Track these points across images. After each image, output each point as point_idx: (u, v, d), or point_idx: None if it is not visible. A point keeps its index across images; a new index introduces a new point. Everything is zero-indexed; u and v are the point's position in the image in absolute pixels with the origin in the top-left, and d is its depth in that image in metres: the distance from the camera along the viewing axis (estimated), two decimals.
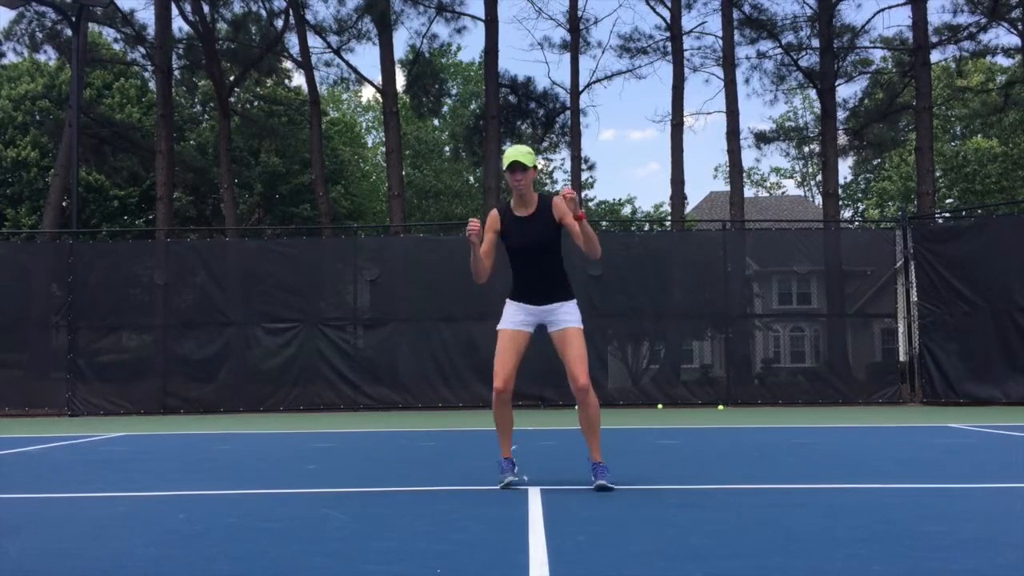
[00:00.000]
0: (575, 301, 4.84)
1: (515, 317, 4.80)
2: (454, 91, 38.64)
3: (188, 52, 22.61)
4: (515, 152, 4.67)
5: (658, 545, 3.31)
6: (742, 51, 21.85)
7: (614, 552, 3.19)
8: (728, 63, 19.93)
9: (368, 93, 47.74)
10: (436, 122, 38.53)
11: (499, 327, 4.83)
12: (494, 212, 4.87)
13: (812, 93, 32.87)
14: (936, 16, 66.48)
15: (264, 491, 5.01)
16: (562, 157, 39.45)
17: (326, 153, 27.85)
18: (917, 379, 14.13)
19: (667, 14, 20.80)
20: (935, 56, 22.23)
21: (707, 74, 43.56)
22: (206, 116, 33.31)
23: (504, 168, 4.70)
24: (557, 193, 4.77)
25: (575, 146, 20.73)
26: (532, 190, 4.78)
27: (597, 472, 4.72)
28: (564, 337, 4.74)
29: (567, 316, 4.76)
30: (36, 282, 14.79)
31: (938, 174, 32.73)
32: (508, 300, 4.87)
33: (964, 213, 30.06)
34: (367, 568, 3.00)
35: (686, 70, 20.70)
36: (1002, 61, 33.14)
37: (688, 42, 21.29)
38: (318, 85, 22.23)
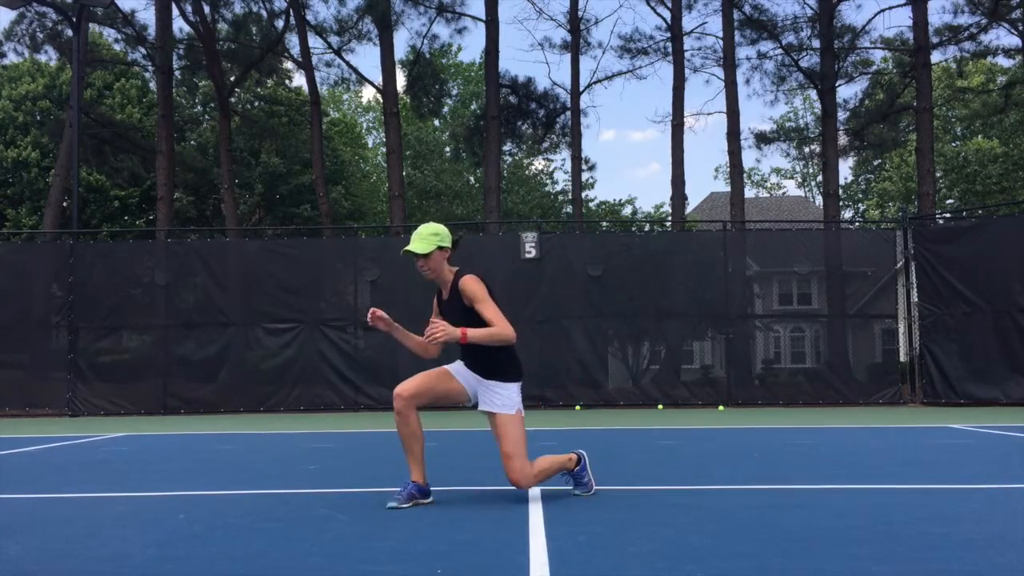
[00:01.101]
0: (515, 384, 4.38)
1: (455, 365, 4.52)
2: (455, 91, 38.66)
3: (189, 52, 22.61)
4: (413, 238, 4.42)
5: (658, 545, 3.31)
6: (742, 52, 21.88)
7: (614, 552, 3.19)
8: (728, 64, 19.93)
9: (368, 93, 47.83)
10: (436, 122, 38.54)
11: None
12: (436, 293, 4.69)
13: (813, 94, 32.88)
14: (937, 17, 66.60)
15: (264, 491, 5.01)
16: (563, 157, 39.40)
17: (326, 153, 27.86)
18: (917, 380, 14.13)
19: (668, 15, 20.81)
20: (936, 57, 22.26)
21: (707, 75, 43.70)
22: (207, 116, 33.32)
23: (402, 252, 4.47)
24: (463, 275, 4.46)
25: (575, 146, 20.73)
26: (444, 271, 4.51)
27: (571, 477, 4.59)
28: (494, 424, 4.36)
29: (497, 399, 4.34)
30: (37, 282, 14.79)
31: (939, 175, 32.73)
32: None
33: (965, 214, 30.06)
34: (367, 568, 3.00)
35: (686, 71, 20.72)
36: (1003, 62, 33.19)
37: (688, 43, 21.31)
38: (319, 85, 22.25)
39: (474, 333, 4.19)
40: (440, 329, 4.11)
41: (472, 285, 4.36)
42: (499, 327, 4.23)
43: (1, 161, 29.81)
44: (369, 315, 4.44)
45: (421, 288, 14.71)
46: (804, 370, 15.63)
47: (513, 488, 4.77)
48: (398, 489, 4.36)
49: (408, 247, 4.41)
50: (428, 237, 4.42)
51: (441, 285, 4.57)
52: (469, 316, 4.31)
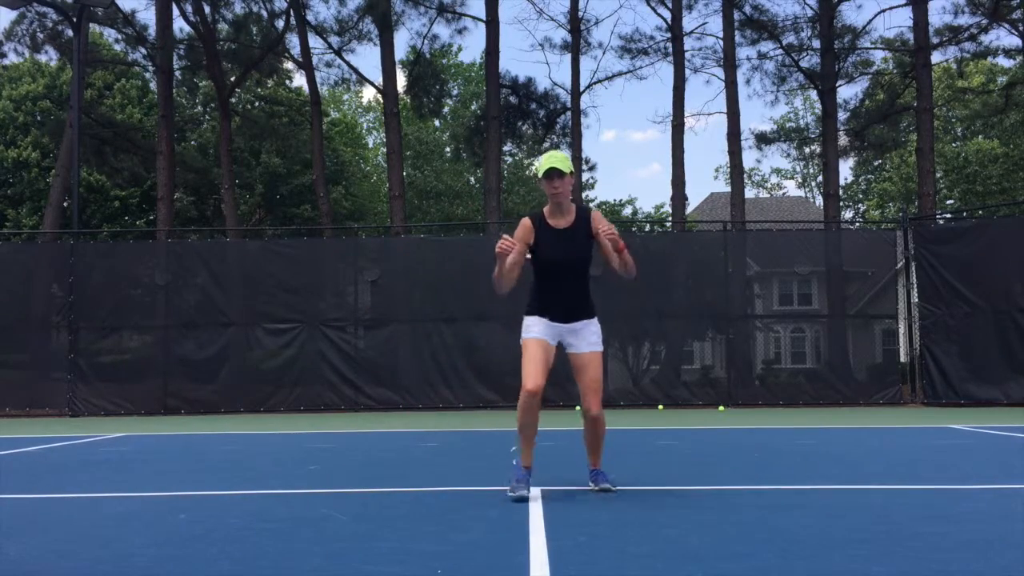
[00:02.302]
0: (597, 320, 4.60)
1: (538, 327, 4.50)
2: (455, 92, 38.65)
3: (189, 53, 22.60)
4: (552, 158, 4.39)
5: (658, 546, 3.31)
6: (743, 52, 21.87)
7: (614, 553, 3.19)
8: (729, 64, 19.92)
9: (369, 94, 47.81)
10: (437, 123, 38.53)
11: (524, 337, 4.51)
12: (526, 221, 4.55)
13: (813, 94, 32.87)
14: (937, 17, 66.58)
15: (265, 491, 5.01)
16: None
17: (327, 154, 27.87)
18: (918, 380, 14.13)
19: (668, 15, 20.79)
20: (936, 57, 22.25)
21: (708, 75, 43.63)
22: (207, 117, 33.32)
23: (540, 175, 4.42)
24: (590, 208, 4.58)
25: (576, 147, 20.73)
26: (570, 199, 4.51)
27: (598, 478, 4.70)
28: (582, 362, 4.51)
29: (590, 338, 4.53)
30: (37, 282, 14.79)
31: (939, 175, 32.73)
32: (527, 316, 4.56)
33: (965, 214, 30.06)
34: (367, 568, 3.00)
35: (687, 71, 20.70)
36: (1003, 62, 33.21)
37: (689, 43, 21.29)
38: (319, 86, 22.24)
39: (629, 257, 4.47)
40: (613, 230, 4.36)
41: (603, 218, 4.51)
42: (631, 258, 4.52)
43: (1, 161, 29.82)
44: (503, 242, 4.32)
45: (422, 288, 14.74)
46: (804, 370, 15.63)
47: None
48: (514, 479, 4.44)
49: (551, 164, 4.38)
50: (565, 160, 4.44)
51: (559, 211, 4.50)
52: (586, 245, 4.48)
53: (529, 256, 4.54)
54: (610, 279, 14.22)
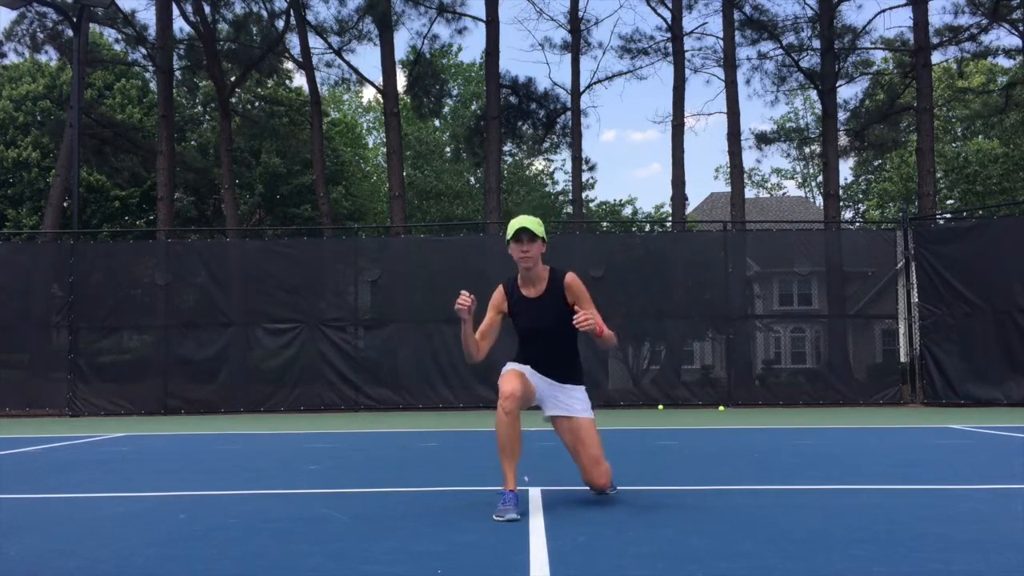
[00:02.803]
0: (585, 388, 4.35)
1: (526, 368, 4.23)
2: (455, 92, 38.65)
3: (189, 53, 22.61)
4: (523, 219, 4.12)
5: (658, 546, 3.31)
6: (743, 52, 21.87)
7: (614, 553, 3.19)
8: (729, 64, 19.92)
9: (369, 94, 47.84)
10: (437, 123, 38.53)
11: (504, 370, 4.19)
12: (500, 290, 4.34)
13: (813, 94, 32.89)
14: (937, 17, 66.56)
15: (264, 491, 5.01)
16: (563, 158, 39.48)
17: (327, 154, 27.86)
18: (918, 380, 14.13)
19: (668, 15, 20.80)
20: (936, 57, 22.25)
21: (708, 75, 43.66)
22: (207, 117, 33.32)
23: (508, 237, 4.14)
24: (564, 272, 4.29)
25: (576, 147, 20.73)
26: (540, 264, 4.23)
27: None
28: (576, 427, 4.21)
29: (578, 405, 4.25)
30: (37, 282, 14.79)
31: (939, 175, 32.73)
32: (510, 363, 4.28)
33: (965, 214, 30.06)
34: (367, 568, 3.00)
35: (687, 71, 20.71)
36: (1003, 62, 33.21)
37: (689, 43, 21.30)
38: (319, 86, 22.25)
39: (608, 332, 4.11)
40: (592, 318, 3.96)
41: (579, 283, 4.21)
42: (610, 332, 4.16)
43: (1, 161, 29.82)
44: (461, 299, 4.01)
45: (422, 288, 14.74)
46: (804, 370, 15.63)
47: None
48: (500, 502, 3.94)
49: (520, 225, 4.09)
50: (537, 224, 4.14)
51: (529, 280, 4.23)
52: (562, 315, 4.14)
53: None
54: (610, 278, 14.28)
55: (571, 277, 4.23)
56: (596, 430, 4.25)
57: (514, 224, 4.13)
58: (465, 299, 4.00)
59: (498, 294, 4.35)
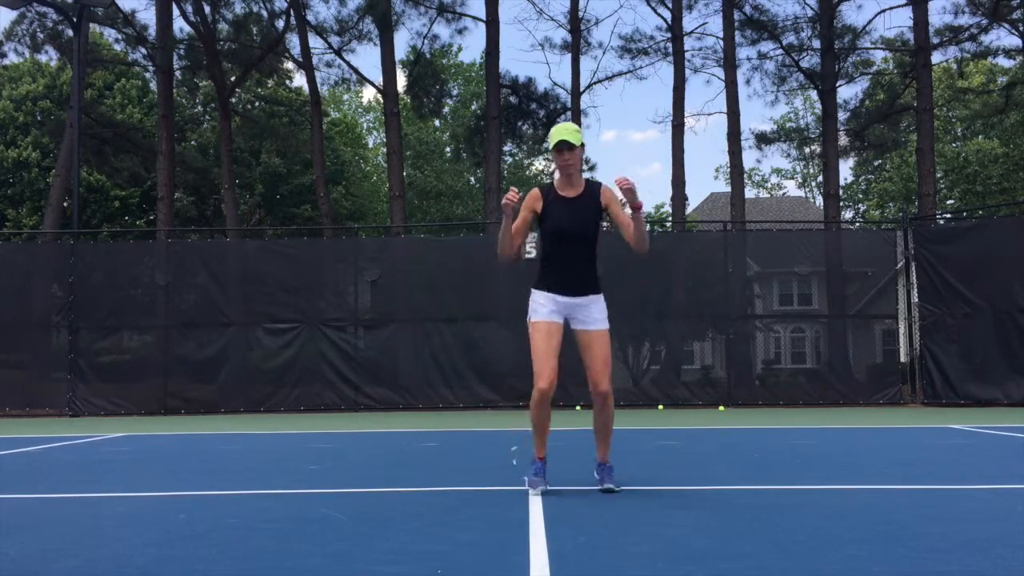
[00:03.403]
0: (603, 297, 4.65)
1: (547, 307, 4.56)
2: (455, 92, 38.64)
3: (189, 53, 22.60)
4: (562, 130, 4.46)
5: (659, 546, 3.31)
6: (743, 52, 21.86)
7: (614, 553, 3.19)
8: (729, 64, 19.92)
9: (369, 94, 47.83)
10: (437, 123, 38.54)
11: (532, 319, 4.57)
12: (535, 191, 4.65)
13: (813, 94, 32.86)
14: (937, 17, 66.56)
15: (264, 491, 5.01)
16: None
17: (327, 154, 27.86)
18: (918, 380, 14.13)
19: (668, 15, 20.79)
20: (936, 57, 22.24)
21: (708, 75, 43.59)
22: (207, 117, 33.32)
23: (551, 147, 4.48)
24: (601, 183, 4.63)
25: None
26: (580, 171, 4.56)
27: (603, 473, 4.72)
28: (590, 339, 4.57)
29: (596, 316, 4.59)
30: (37, 282, 14.79)
31: (939, 175, 32.73)
32: (535, 290, 4.62)
33: (965, 214, 30.06)
34: (367, 568, 3.00)
35: (687, 71, 20.70)
36: (1003, 62, 33.20)
37: (689, 43, 21.28)
38: (319, 86, 22.24)
39: (641, 214, 4.46)
40: (631, 183, 4.28)
41: (613, 193, 4.55)
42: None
43: (2, 161, 29.82)
44: (509, 195, 4.37)
45: (422, 288, 14.73)
46: (804, 370, 15.63)
47: (513, 488, 4.78)
48: (532, 473, 4.61)
49: (560, 136, 4.43)
50: (576, 132, 4.47)
51: (569, 183, 4.56)
52: (594, 217, 4.52)
53: (534, 234, 4.65)
54: (610, 278, 14.26)
55: (607, 187, 4.60)
56: (608, 340, 4.59)
57: (555, 135, 4.47)
58: (513, 195, 4.35)
59: (533, 195, 4.64)
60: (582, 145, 4.50)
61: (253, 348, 14.45)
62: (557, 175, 4.62)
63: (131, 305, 14.67)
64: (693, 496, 4.59)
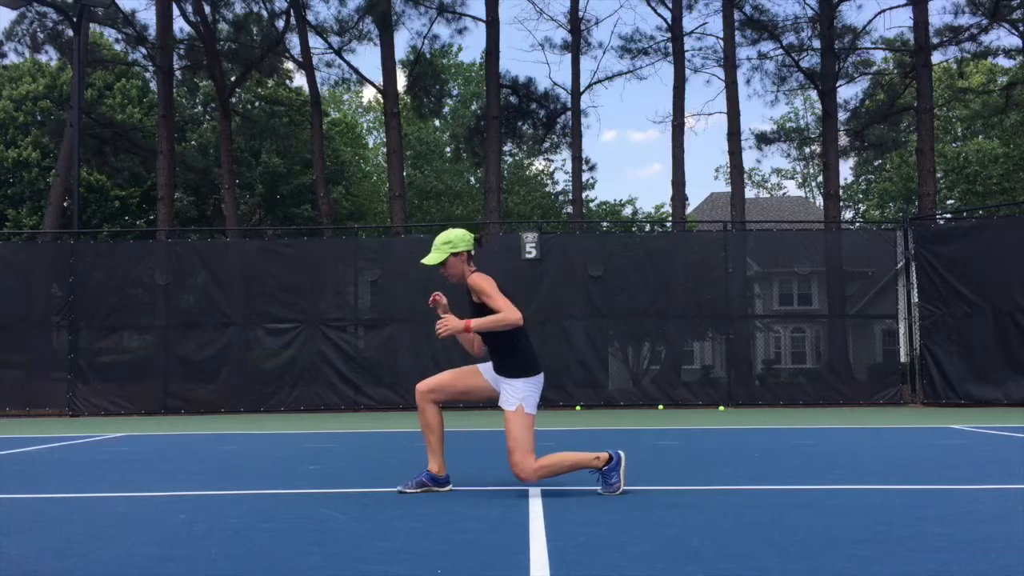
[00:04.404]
0: (521, 380, 4.55)
1: (486, 364, 4.83)
2: (455, 92, 38.66)
3: (189, 53, 22.61)
4: (432, 250, 4.69)
5: (658, 546, 3.31)
6: (743, 52, 21.88)
7: (614, 553, 3.19)
8: (729, 64, 19.93)
9: (369, 94, 47.84)
10: (437, 123, 38.54)
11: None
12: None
13: (813, 94, 32.89)
14: (937, 17, 66.61)
15: (264, 491, 5.01)
16: (563, 158, 39.44)
17: (327, 154, 27.87)
18: (918, 380, 14.13)
19: (668, 15, 20.80)
20: (936, 57, 22.26)
21: (708, 75, 43.68)
22: (207, 117, 33.33)
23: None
24: (474, 273, 4.70)
25: (576, 147, 20.74)
26: (467, 272, 4.70)
27: (599, 478, 4.63)
28: (504, 419, 4.59)
29: (503, 394, 4.61)
30: (37, 282, 14.79)
31: (939, 175, 32.74)
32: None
33: (965, 214, 30.04)
34: (367, 568, 3.00)
35: (687, 71, 20.72)
36: (1003, 62, 33.22)
37: (689, 43, 21.30)
38: (319, 86, 22.25)
39: (478, 322, 4.51)
40: (443, 325, 4.51)
41: (479, 281, 4.58)
42: (503, 313, 4.47)
43: (2, 161, 29.82)
44: (432, 299, 4.75)
45: (422, 288, 14.72)
46: (804, 370, 15.63)
47: (513, 488, 4.79)
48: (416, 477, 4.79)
49: (424, 262, 4.75)
50: (440, 247, 4.68)
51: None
52: (477, 312, 4.66)
53: None
54: (610, 278, 14.28)
55: (472, 278, 4.63)
56: (514, 422, 4.48)
57: (423, 260, 4.76)
58: (434, 299, 4.74)
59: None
60: (453, 255, 4.66)
61: (253, 348, 14.46)
62: None
63: (131, 305, 14.66)
64: (693, 496, 4.59)
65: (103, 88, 30.87)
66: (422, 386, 4.77)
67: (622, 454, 4.63)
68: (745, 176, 22.05)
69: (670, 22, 20.75)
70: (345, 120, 40.78)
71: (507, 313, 4.45)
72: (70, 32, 19.95)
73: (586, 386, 14.05)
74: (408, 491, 4.67)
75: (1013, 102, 25.15)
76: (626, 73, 23.36)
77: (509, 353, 4.60)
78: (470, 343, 4.84)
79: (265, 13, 22.01)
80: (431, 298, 4.78)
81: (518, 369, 4.57)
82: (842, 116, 21.92)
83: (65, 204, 21.40)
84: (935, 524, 3.68)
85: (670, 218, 24.57)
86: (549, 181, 42.66)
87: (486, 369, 4.75)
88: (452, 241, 4.68)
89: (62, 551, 3.38)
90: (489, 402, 4.59)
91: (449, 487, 4.75)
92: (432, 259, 4.67)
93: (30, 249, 17.75)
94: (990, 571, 2.86)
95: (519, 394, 4.53)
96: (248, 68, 22.54)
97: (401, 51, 36.71)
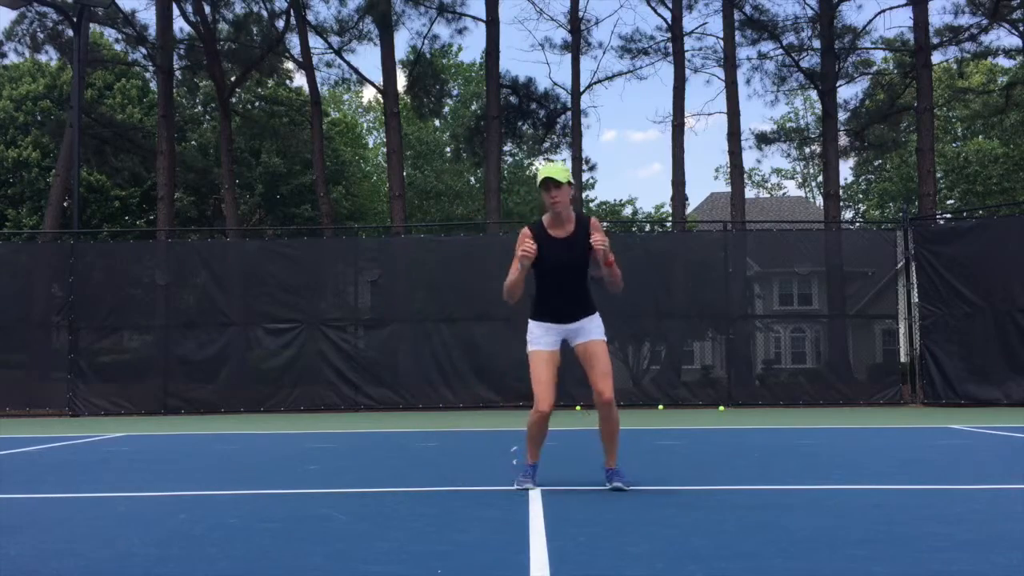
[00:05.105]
0: (598, 314, 4.75)
1: (545, 337, 4.68)
2: (455, 92, 38.62)
3: (189, 52, 22.61)
4: (549, 169, 4.52)
5: (659, 546, 3.31)
6: (743, 52, 21.87)
7: (615, 553, 3.19)
8: (729, 64, 19.93)
9: (369, 94, 47.81)
10: (437, 123, 38.52)
11: (531, 348, 4.68)
12: (526, 231, 4.65)
13: (813, 94, 32.87)
14: (937, 17, 66.59)
15: (264, 491, 5.01)
16: (563, 158, 39.40)
17: (327, 154, 27.86)
18: (918, 380, 14.12)
19: (668, 15, 20.80)
20: (936, 57, 22.24)
21: (708, 75, 43.56)
22: (207, 116, 33.32)
23: (538, 185, 4.56)
24: (590, 217, 4.70)
25: (576, 147, 20.73)
26: (569, 208, 4.63)
27: (613, 477, 4.74)
28: (589, 350, 4.66)
29: (593, 330, 4.69)
30: (37, 282, 14.79)
31: (939, 175, 32.73)
32: (532, 320, 4.73)
33: (965, 214, 30.05)
34: (367, 568, 3.00)
35: (687, 71, 20.71)
36: (1003, 62, 33.22)
37: (689, 43, 21.29)
38: (319, 86, 22.25)
39: (616, 270, 4.59)
40: (603, 243, 4.45)
41: (600, 227, 4.65)
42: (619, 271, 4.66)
43: (2, 161, 29.82)
44: (527, 246, 4.47)
45: (422, 288, 14.74)
46: (804, 370, 15.63)
47: (513, 488, 4.79)
48: (521, 474, 4.83)
49: (546, 175, 4.49)
50: (562, 171, 4.54)
51: (556, 222, 4.61)
52: (586, 254, 4.60)
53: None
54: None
55: (595, 221, 4.68)
56: (607, 350, 4.69)
57: (542, 174, 4.54)
58: (531, 247, 4.46)
59: (523, 234, 4.64)
60: (569, 184, 4.56)
61: (253, 348, 14.46)
62: (548, 214, 4.66)
63: (131, 305, 14.66)
64: (693, 496, 4.59)
65: (103, 88, 30.87)
66: (549, 408, 4.61)
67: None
68: (745, 176, 22.05)
69: (670, 22, 20.74)
70: (345, 120, 40.76)
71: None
72: (70, 32, 19.95)
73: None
74: (527, 486, 4.77)
75: (1013, 102, 25.16)
76: (626, 73, 23.37)
77: (589, 291, 4.73)
78: (521, 282, 4.60)
79: (265, 13, 22.01)
80: (527, 248, 4.46)
81: (594, 304, 4.77)
82: (842, 116, 21.92)
83: (65, 204, 21.40)
84: (935, 524, 3.68)
85: (670, 218, 24.57)
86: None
87: (549, 344, 4.68)
88: (570, 172, 4.64)
89: (62, 551, 3.38)
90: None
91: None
92: (561, 176, 4.49)
93: (30, 249, 17.76)
94: (990, 571, 2.85)
95: (603, 325, 4.74)
96: (248, 68, 22.54)
97: (401, 51, 36.67)
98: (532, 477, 4.80)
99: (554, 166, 4.56)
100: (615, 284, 4.65)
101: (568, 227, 4.62)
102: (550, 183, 4.49)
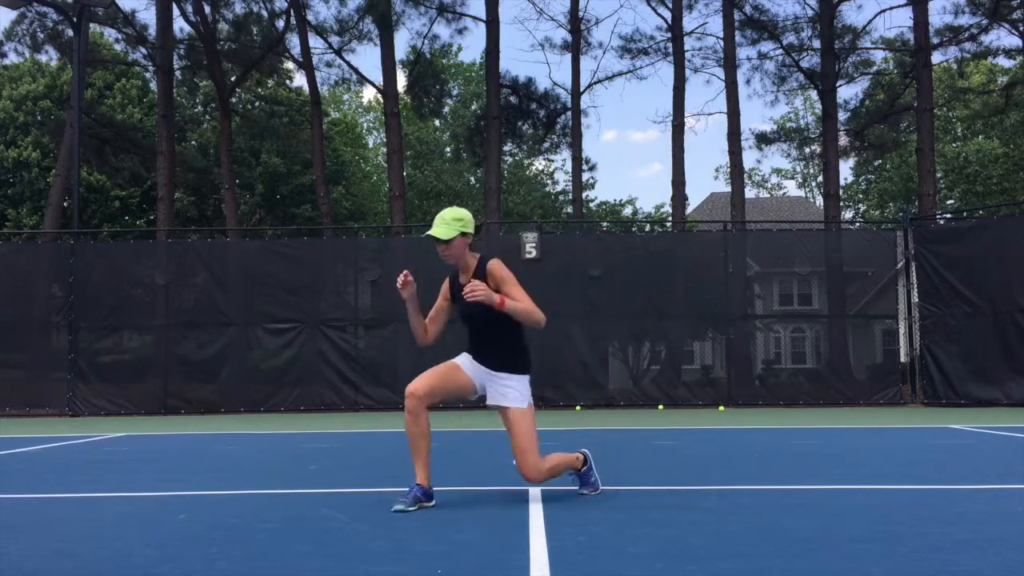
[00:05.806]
0: (526, 377, 4.34)
1: (463, 358, 4.41)
2: (455, 92, 38.63)
3: (189, 52, 22.61)
4: (437, 220, 4.26)
5: (658, 546, 3.31)
6: (743, 52, 21.89)
7: (614, 553, 3.19)
8: (729, 64, 19.93)
9: (369, 94, 47.86)
10: (437, 123, 38.53)
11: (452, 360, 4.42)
12: (447, 278, 4.52)
13: (813, 94, 32.87)
14: (937, 17, 66.60)
15: (264, 491, 5.01)
16: (563, 158, 39.42)
17: (327, 154, 27.87)
18: (918, 380, 14.13)
19: (668, 15, 20.81)
20: (936, 57, 22.25)
21: (708, 75, 43.61)
22: (207, 116, 33.33)
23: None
24: (488, 259, 4.32)
25: (576, 147, 20.73)
26: (466, 256, 4.32)
27: (576, 481, 4.61)
28: (509, 420, 4.28)
29: (509, 392, 4.28)
30: (37, 282, 14.79)
31: (939, 175, 32.74)
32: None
33: (965, 214, 30.05)
34: (367, 568, 3.00)
35: (687, 71, 20.72)
36: (1003, 62, 33.22)
37: (689, 43, 21.31)
38: (319, 86, 22.25)
39: (511, 303, 4.12)
40: (481, 289, 4.04)
41: (501, 267, 4.28)
42: (534, 308, 4.18)
43: (2, 161, 29.82)
44: (402, 277, 4.26)
45: (422, 288, 14.70)
46: (804, 370, 15.63)
47: (513, 488, 4.78)
48: (403, 490, 4.28)
49: (430, 231, 4.24)
50: (451, 222, 4.23)
51: (461, 271, 4.40)
52: (478, 306, 4.24)
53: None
54: (610, 278, 14.28)
55: (492, 264, 4.29)
56: (528, 420, 4.24)
57: (429, 231, 4.27)
58: (403, 278, 4.25)
59: (446, 282, 4.53)
60: (463, 234, 4.24)
61: (253, 348, 14.46)
62: None
63: (131, 305, 14.67)
64: (693, 496, 4.59)
65: (103, 88, 30.87)
66: (418, 390, 4.14)
67: (587, 452, 4.62)
68: (745, 176, 22.05)
69: (670, 22, 20.75)
70: (345, 120, 40.78)
71: (535, 308, 4.17)
72: (70, 32, 19.94)
73: (586, 386, 14.05)
74: (408, 509, 4.09)
75: (1013, 102, 25.18)
76: (626, 73, 23.40)
77: (517, 349, 4.33)
78: (423, 328, 4.44)
79: (265, 13, 22.03)
80: (401, 277, 4.26)
81: (522, 365, 4.33)
82: (842, 116, 21.93)
83: (65, 204, 21.39)
84: (935, 524, 3.68)
85: (670, 218, 24.57)
86: (549, 181, 42.66)
87: (465, 365, 4.35)
88: (464, 220, 4.25)
89: (62, 551, 3.37)
90: (485, 403, 4.46)
91: (434, 502, 4.27)
92: (442, 232, 4.18)
93: (30, 249, 17.77)
94: (990, 571, 2.85)
95: (527, 390, 4.31)
96: (248, 68, 22.55)
97: (401, 51, 36.67)
98: (410, 499, 4.14)
99: (440, 219, 4.25)
100: (528, 321, 4.20)
101: (468, 275, 4.35)
102: (432, 239, 4.24)
